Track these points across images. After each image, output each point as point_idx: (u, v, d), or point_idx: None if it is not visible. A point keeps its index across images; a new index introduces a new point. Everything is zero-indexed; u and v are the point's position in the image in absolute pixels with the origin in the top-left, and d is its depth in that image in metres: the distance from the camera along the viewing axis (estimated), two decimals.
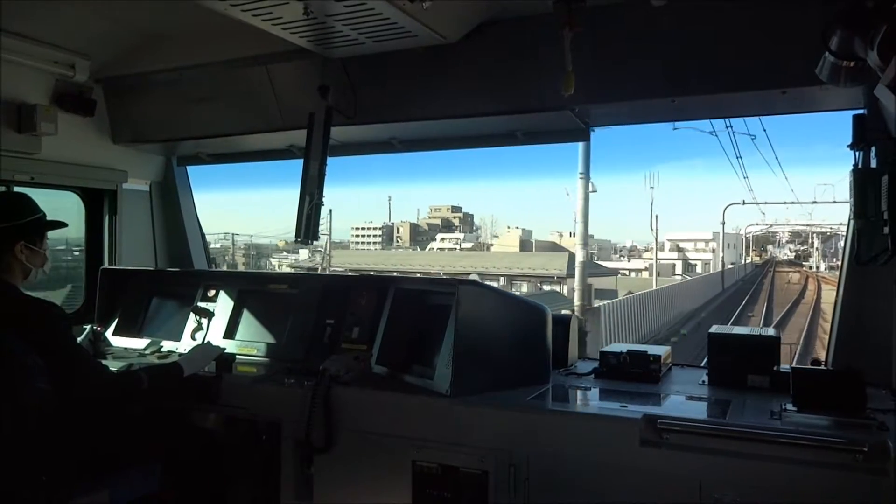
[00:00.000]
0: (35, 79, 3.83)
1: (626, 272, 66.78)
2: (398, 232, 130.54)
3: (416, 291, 3.28)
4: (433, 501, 2.65)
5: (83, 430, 2.72)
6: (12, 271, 2.74)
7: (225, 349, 3.34)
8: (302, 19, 2.88)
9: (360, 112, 3.60)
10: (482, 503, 2.57)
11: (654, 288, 31.30)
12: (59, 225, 3.03)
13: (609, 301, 23.37)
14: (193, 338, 3.69)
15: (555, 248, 63.00)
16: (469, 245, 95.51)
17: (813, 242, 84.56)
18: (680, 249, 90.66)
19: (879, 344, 2.85)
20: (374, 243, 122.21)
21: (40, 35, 3.65)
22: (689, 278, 48.91)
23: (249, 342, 3.58)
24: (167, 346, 3.71)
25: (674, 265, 77.25)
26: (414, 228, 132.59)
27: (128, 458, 2.93)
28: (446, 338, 2.81)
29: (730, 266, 62.60)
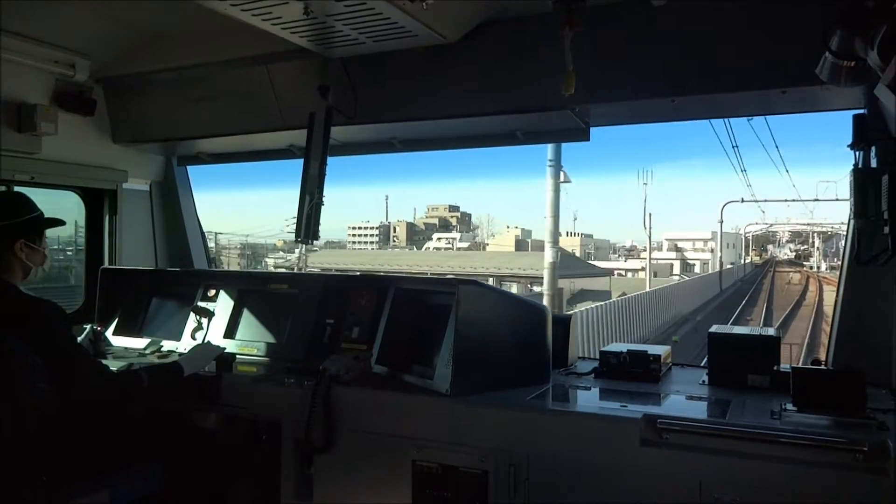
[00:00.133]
0: (35, 79, 3.83)
1: (623, 272, 66.37)
2: (394, 231, 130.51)
3: (416, 291, 3.28)
4: (433, 501, 2.65)
5: (83, 430, 2.72)
6: (12, 270, 2.74)
7: (225, 349, 3.34)
8: (302, 19, 2.88)
9: (360, 112, 3.60)
10: (482, 503, 2.57)
11: (648, 289, 29.56)
12: (58, 223, 3.03)
13: (592, 304, 21.48)
14: (193, 337, 3.69)
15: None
16: (465, 245, 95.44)
17: (814, 242, 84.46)
18: (678, 249, 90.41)
19: (879, 344, 2.85)
20: (371, 243, 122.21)
21: (40, 35, 3.65)
22: (686, 279, 47.85)
23: (249, 342, 3.58)
24: (167, 345, 3.71)
25: (671, 265, 76.93)
26: (410, 228, 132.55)
27: (128, 458, 2.93)
28: (446, 337, 2.81)
29: (729, 266, 62.19)
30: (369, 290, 3.39)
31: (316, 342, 3.39)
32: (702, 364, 3.42)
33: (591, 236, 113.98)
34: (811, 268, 73.72)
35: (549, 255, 14.95)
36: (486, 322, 2.88)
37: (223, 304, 3.74)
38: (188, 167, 4.89)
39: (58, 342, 2.62)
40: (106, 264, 4.33)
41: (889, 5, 2.12)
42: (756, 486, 2.24)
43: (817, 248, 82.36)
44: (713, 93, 3.06)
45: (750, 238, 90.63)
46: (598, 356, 3.26)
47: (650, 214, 39.03)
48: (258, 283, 3.96)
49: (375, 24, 2.96)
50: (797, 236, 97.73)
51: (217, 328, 3.68)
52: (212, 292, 3.80)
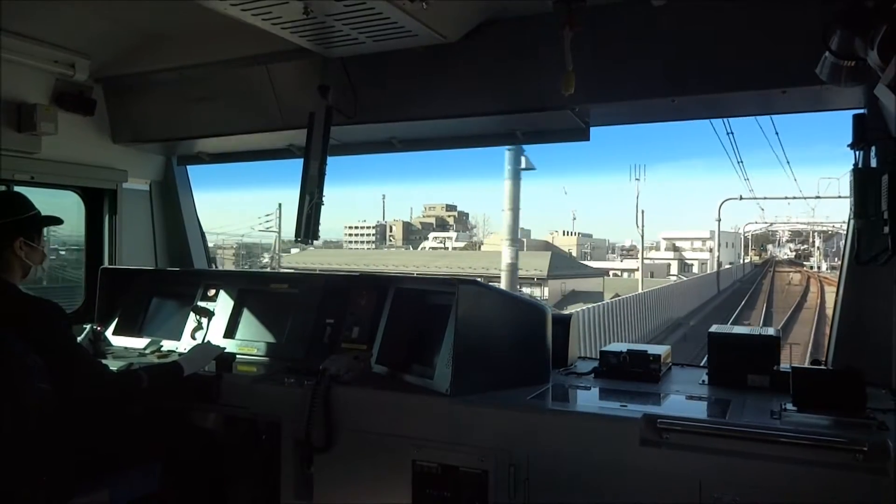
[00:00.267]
0: (35, 78, 3.83)
1: (619, 272, 65.86)
2: (391, 231, 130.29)
3: (416, 291, 3.28)
4: (433, 501, 2.65)
5: (83, 430, 2.72)
6: (12, 269, 2.74)
7: (225, 349, 3.34)
8: (302, 19, 2.88)
9: (360, 112, 3.60)
10: (482, 503, 2.57)
11: (640, 291, 27.58)
12: (56, 221, 3.03)
13: (584, 307, 19.54)
14: (193, 337, 3.69)
15: (547, 247, 62.58)
16: (461, 244, 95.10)
17: (814, 241, 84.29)
18: (676, 249, 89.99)
19: (879, 344, 2.85)
20: (368, 242, 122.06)
21: (40, 35, 3.65)
22: (684, 279, 46.84)
23: (249, 342, 3.58)
24: (167, 345, 3.71)
25: (668, 265, 76.25)
26: (407, 227, 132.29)
27: (128, 458, 2.93)
28: (446, 337, 2.81)
29: (727, 266, 61.49)
30: (369, 290, 3.39)
31: (316, 342, 3.39)
32: (702, 364, 3.43)
33: (590, 236, 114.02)
34: (811, 268, 73.42)
35: (506, 254, 12.23)
36: (486, 322, 2.88)
37: (223, 304, 3.74)
38: (188, 167, 4.89)
39: (58, 342, 2.62)
40: (106, 264, 4.32)
41: (889, 5, 2.12)
42: (756, 486, 2.24)
43: (818, 248, 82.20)
44: (713, 93, 3.06)
45: (749, 237, 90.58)
46: (595, 356, 3.26)
47: (643, 211, 38.10)
48: (258, 283, 3.96)
49: (375, 23, 2.96)
50: (797, 236, 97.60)
51: (217, 328, 3.68)
52: (212, 292, 3.80)
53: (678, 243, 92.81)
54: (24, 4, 3.32)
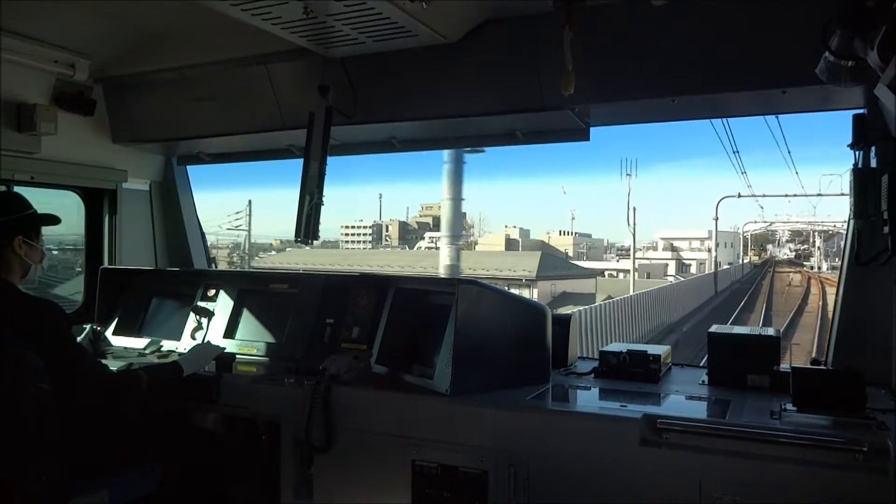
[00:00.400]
0: (35, 78, 3.83)
1: (615, 273, 65.28)
2: (387, 231, 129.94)
3: (416, 291, 3.28)
4: (433, 501, 2.66)
5: (83, 430, 2.72)
6: (11, 268, 2.74)
7: (225, 349, 3.34)
8: (302, 19, 2.88)
9: (360, 111, 3.60)
10: (482, 503, 2.57)
11: (631, 293, 25.59)
12: (53, 220, 3.03)
13: (575, 309, 17.70)
14: (193, 337, 3.69)
15: (543, 247, 62.33)
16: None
17: (814, 241, 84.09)
18: (674, 249, 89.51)
19: (879, 344, 2.85)
20: (364, 242, 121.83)
21: (40, 35, 3.65)
22: (681, 279, 45.67)
23: (249, 342, 3.58)
24: (167, 345, 3.71)
25: (666, 265, 75.15)
26: (403, 227, 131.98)
27: (127, 458, 2.93)
28: (446, 337, 2.81)
29: (726, 266, 60.57)
30: (369, 290, 3.39)
31: (316, 342, 3.39)
32: (701, 364, 3.43)
33: (588, 235, 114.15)
34: (812, 268, 73.22)
35: (444, 254, 9.62)
36: (485, 322, 2.88)
37: (223, 304, 3.74)
38: (188, 167, 4.89)
39: (57, 341, 2.62)
40: (106, 264, 4.32)
41: (889, 5, 2.12)
42: (756, 486, 2.24)
43: (818, 248, 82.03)
44: (713, 93, 3.07)
45: (749, 237, 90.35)
46: (595, 356, 3.26)
47: (634, 209, 36.40)
48: (258, 283, 3.96)
49: (375, 23, 2.96)
50: (797, 235, 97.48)
51: (217, 328, 3.68)
52: (212, 292, 3.80)
53: (676, 243, 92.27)
54: (24, 4, 3.32)
